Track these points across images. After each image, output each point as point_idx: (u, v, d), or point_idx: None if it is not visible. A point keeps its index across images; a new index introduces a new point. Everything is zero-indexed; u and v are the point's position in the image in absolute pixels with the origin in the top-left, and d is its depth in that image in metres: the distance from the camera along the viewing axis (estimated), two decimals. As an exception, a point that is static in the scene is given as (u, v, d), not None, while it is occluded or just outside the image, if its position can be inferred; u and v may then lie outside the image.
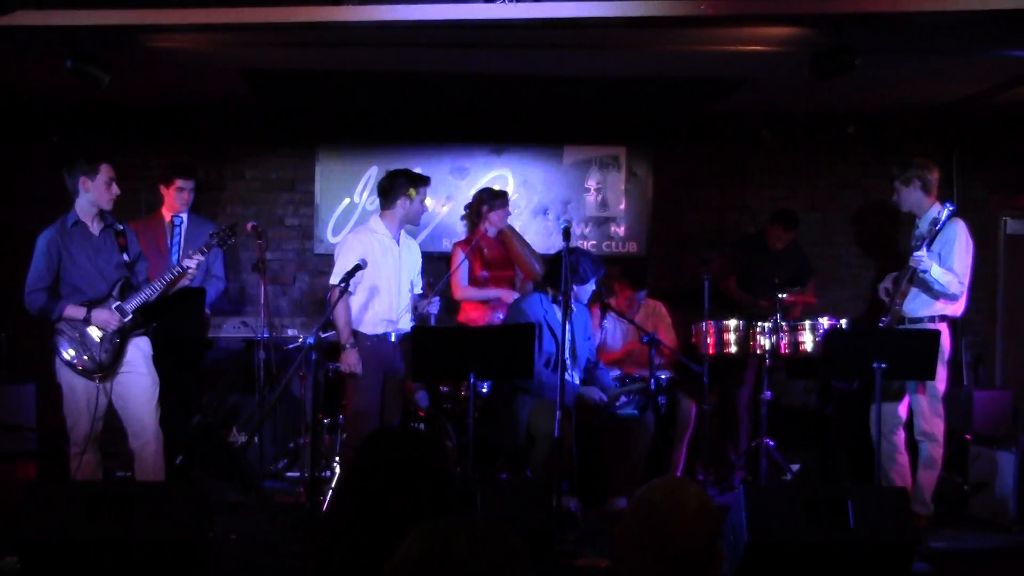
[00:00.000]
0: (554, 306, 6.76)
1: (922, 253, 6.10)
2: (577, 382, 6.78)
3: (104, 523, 4.76)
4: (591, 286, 6.80)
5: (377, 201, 6.83)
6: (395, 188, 6.55)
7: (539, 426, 6.42)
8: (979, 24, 5.81)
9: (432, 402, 7.30)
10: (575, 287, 6.65)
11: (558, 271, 6.58)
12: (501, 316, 7.29)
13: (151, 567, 4.79)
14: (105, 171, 5.91)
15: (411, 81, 7.64)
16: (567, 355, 6.22)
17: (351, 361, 6.33)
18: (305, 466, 6.92)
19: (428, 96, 8.17)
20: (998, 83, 7.33)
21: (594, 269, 6.72)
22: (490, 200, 7.73)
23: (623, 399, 6.92)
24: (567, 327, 6.26)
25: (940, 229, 6.19)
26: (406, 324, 6.57)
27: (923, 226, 6.33)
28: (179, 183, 7.63)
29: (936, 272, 6.11)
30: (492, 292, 7.54)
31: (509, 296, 7.46)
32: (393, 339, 6.52)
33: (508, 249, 7.65)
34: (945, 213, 6.18)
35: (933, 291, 6.24)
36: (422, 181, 6.62)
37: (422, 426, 6.88)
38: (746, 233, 8.62)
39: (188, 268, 6.00)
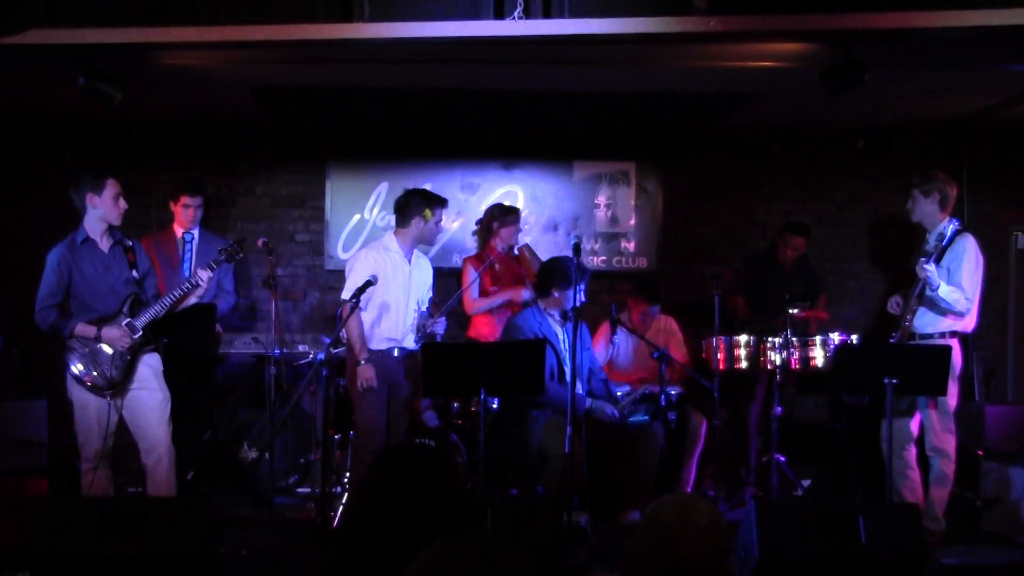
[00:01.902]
0: (547, 318, 6.78)
1: (931, 268, 6.08)
2: (583, 393, 6.76)
3: (115, 539, 4.77)
4: (577, 292, 6.66)
5: (387, 217, 6.85)
6: (411, 207, 6.57)
7: (552, 445, 6.39)
8: (989, 39, 5.81)
9: (442, 418, 7.30)
10: (557, 293, 6.67)
11: (549, 280, 6.62)
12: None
13: (162, 583, 4.80)
14: (111, 186, 5.93)
15: (421, 97, 7.66)
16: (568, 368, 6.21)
17: (367, 375, 6.33)
18: (316, 482, 6.92)
19: (438, 112, 8.19)
20: (1008, 98, 7.33)
21: (580, 275, 6.48)
22: (501, 216, 7.76)
23: (631, 408, 6.94)
24: (567, 340, 6.26)
25: (946, 245, 6.18)
26: (410, 342, 6.58)
27: (931, 241, 6.32)
28: (185, 200, 7.63)
29: (944, 291, 6.09)
30: (502, 296, 7.56)
31: (519, 295, 7.47)
32: (396, 355, 6.53)
33: (525, 268, 7.68)
34: (951, 229, 6.17)
35: (940, 308, 6.22)
36: (439, 202, 6.63)
37: (432, 442, 6.88)
38: (756, 250, 8.61)
39: (197, 284, 6.02)
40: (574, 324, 6.19)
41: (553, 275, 6.79)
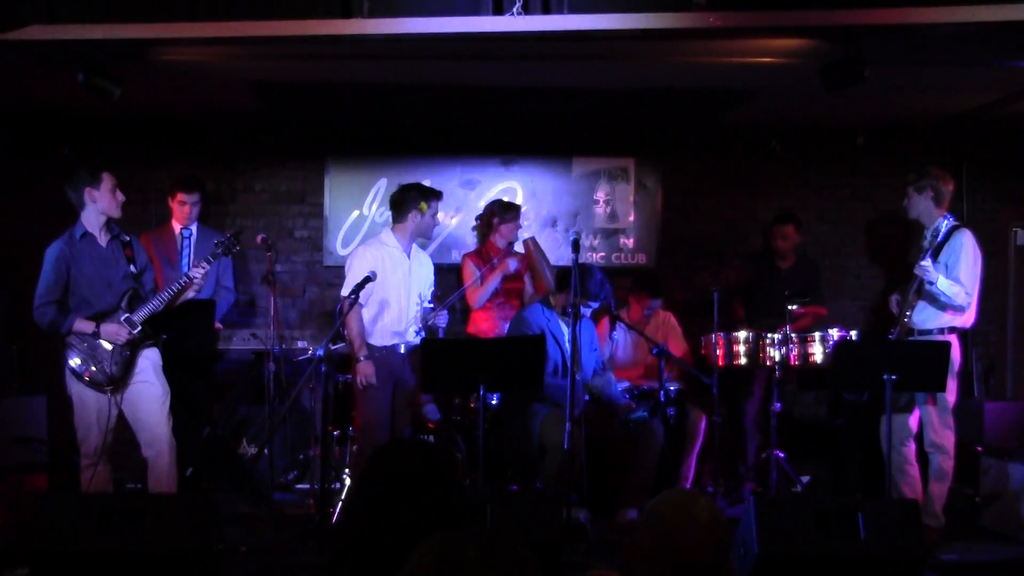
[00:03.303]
0: (555, 315, 6.77)
1: (927, 263, 6.09)
2: (586, 396, 6.75)
3: (114, 535, 4.77)
4: (593, 305, 6.73)
5: (386, 213, 6.84)
6: (407, 201, 6.57)
7: (550, 437, 6.41)
8: (989, 35, 5.81)
9: (442, 414, 7.29)
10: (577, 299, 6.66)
11: (567, 284, 6.59)
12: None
13: (161, 579, 4.80)
14: (108, 179, 5.95)
15: (420, 93, 7.65)
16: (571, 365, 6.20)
17: (367, 372, 6.33)
18: (315, 478, 6.92)
19: (437, 108, 8.19)
20: (1008, 94, 7.32)
21: (598, 291, 6.60)
22: (501, 213, 7.76)
23: (634, 404, 6.95)
24: (572, 337, 6.25)
25: (941, 241, 6.19)
26: (411, 335, 6.57)
27: (928, 237, 6.33)
28: (181, 196, 7.65)
29: (943, 284, 6.10)
30: (496, 277, 7.55)
31: (506, 267, 7.49)
32: (402, 351, 6.53)
33: (530, 263, 7.67)
34: (945, 225, 6.18)
35: (940, 303, 6.23)
36: (434, 195, 6.63)
37: (432, 438, 6.88)
38: (754, 250, 8.59)
39: (194, 278, 6.02)
40: (573, 320, 6.18)
41: (581, 281, 6.68)
